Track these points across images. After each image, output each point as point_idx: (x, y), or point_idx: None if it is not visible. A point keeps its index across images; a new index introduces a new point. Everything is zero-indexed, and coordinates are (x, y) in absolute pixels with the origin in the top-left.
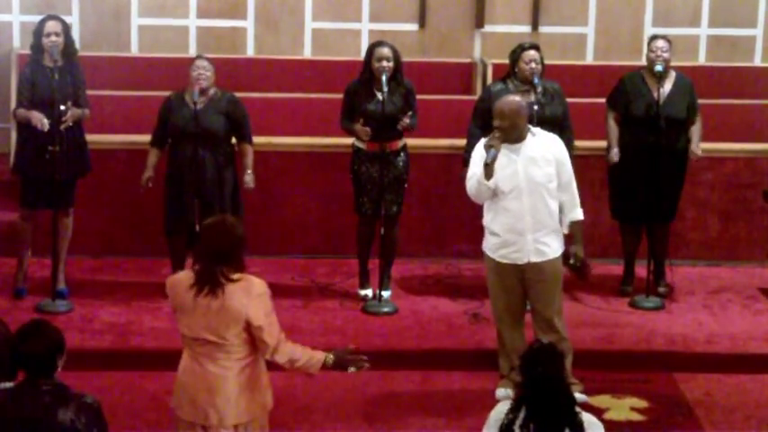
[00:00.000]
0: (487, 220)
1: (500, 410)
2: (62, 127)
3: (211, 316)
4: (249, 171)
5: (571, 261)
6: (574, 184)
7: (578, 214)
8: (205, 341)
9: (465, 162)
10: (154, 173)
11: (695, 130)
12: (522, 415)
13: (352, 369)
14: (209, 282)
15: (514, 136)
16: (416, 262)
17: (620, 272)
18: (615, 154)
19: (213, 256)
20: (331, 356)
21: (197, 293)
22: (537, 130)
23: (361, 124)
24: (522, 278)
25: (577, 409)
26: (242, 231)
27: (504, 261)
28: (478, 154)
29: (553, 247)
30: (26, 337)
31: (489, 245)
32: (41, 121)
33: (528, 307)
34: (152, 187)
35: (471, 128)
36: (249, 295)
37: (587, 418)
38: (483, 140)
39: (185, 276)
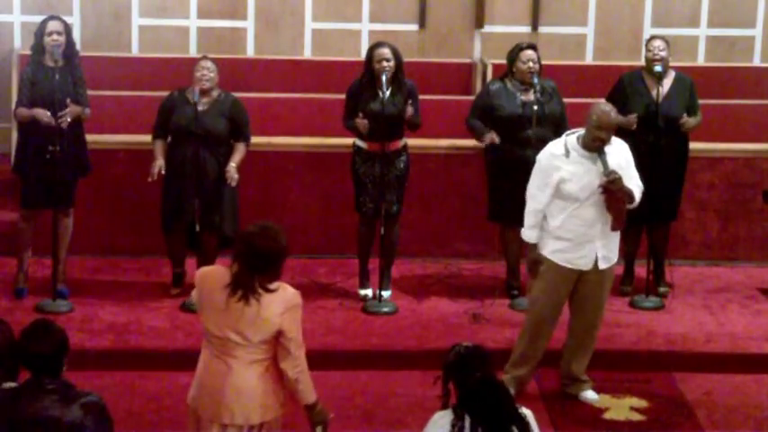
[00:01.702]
0: (554, 225)
1: (438, 423)
2: (60, 123)
3: (245, 320)
4: (233, 164)
5: (615, 176)
6: (633, 181)
7: (633, 188)
8: (231, 340)
9: (474, 131)
10: (164, 161)
11: (693, 119)
12: (467, 423)
13: (318, 430)
14: (245, 288)
15: (604, 145)
16: (416, 262)
17: (620, 272)
18: (632, 118)
19: (253, 264)
20: (321, 406)
21: (231, 295)
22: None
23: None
24: (576, 282)
25: (517, 404)
26: (285, 241)
27: (568, 266)
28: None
29: (615, 254)
30: (32, 337)
31: (553, 249)
32: (46, 114)
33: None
34: (153, 185)
35: (470, 122)
36: (286, 307)
37: (525, 411)
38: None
39: (219, 273)
